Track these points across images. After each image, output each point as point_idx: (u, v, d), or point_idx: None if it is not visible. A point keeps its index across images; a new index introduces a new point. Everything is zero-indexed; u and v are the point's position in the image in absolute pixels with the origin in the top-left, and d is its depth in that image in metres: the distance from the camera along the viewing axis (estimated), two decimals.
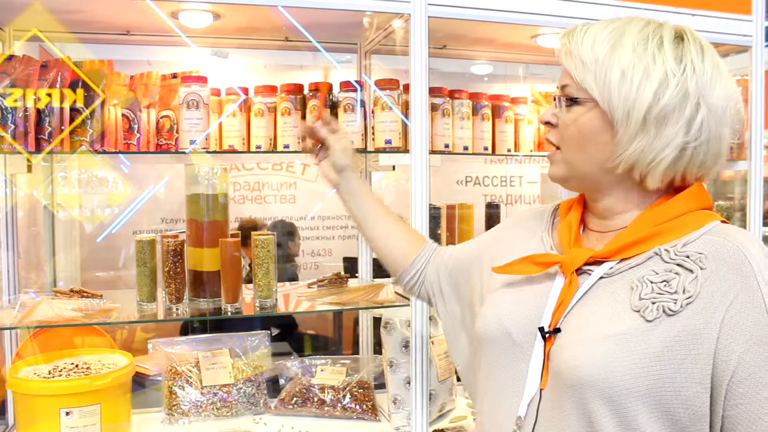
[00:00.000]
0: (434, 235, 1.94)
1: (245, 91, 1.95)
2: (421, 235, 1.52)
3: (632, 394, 0.92)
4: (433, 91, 1.96)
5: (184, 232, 1.88)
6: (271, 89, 1.96)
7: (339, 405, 2.00)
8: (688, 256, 0.98)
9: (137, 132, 1.82)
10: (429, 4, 1.74)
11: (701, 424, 0.93)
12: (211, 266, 1.84)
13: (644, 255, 1.02)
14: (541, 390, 1.04)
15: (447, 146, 1.99)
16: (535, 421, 1.03)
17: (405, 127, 1.86)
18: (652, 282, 0.98)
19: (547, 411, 1.02)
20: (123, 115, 1.80)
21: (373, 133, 1.93)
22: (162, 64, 2.23)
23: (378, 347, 2.10)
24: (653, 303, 0.95)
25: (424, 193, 1.75)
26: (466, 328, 1.33)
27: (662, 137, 1.00)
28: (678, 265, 0.98)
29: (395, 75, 1.94)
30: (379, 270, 1.98)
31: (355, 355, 2.29)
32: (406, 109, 1.86)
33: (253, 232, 1.91)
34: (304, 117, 1.93)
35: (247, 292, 1.94)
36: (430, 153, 1.77)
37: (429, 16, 1.75)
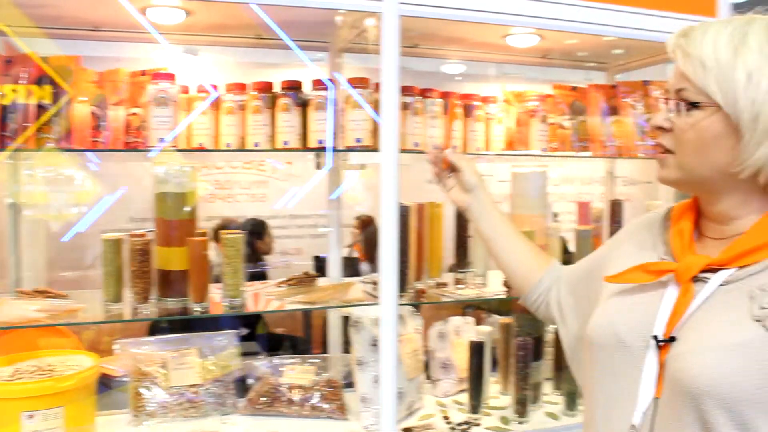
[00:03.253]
0: (404, 233, 1.94)
1: (216, 88, 1.93)
2: (548, 255, 1.53)
3: (753, 404, 0.91)
4: (405, 90, 1.96)
5: (151, 231, 1.86)
6: (242, 87, 1.94)
7: (308, 404, 1.99)
8: None
9: (105, 129, 1.79)
10: (400, 3, 1.74)
11: None
12: (178, 265, 1.82)
13: (764, 263, 1.00)
14: (656, 399, 1.02)
15: (417, 145, 1.99)
16: (651, 430, 1.02)
17: (375, 125, 1.86)
18: None
19: (663, 421, 1.01)
20: (91, 112, 1.77)
21: (343, 132, 1.92)
22: (131, 61, 2.20)
23: (347, 346, 2.09)
24: None
25: (393, 192, 1.75)
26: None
27: None
28: None
29: (367, 74, 1.94)
30: (349, 268, 1.97)
31: (324, 354, 2.28)
32: (377, 107, 1.86)
33: (221, 231, 1.89)
34: (274, 115, 1.92)
35: (217, 292, 1.92)
36: (400, 152, 1.77)
37: (400, 15, 1.74)
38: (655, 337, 1.03)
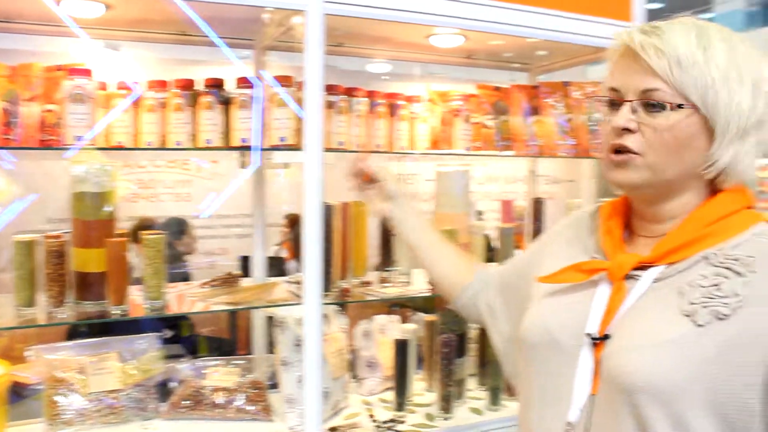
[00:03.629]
0: (328, 233, 1.93)
1: (137, 85, 1.88)
2: (474, 260, 1.56)
3: (687, 398, 0.93)
4: (329, 89, 1.95)
5: (67, 232, 1.79)
6: (163, 84, 1.90)
7: (232, 406, 1.96)
8: (737, 260, 0.98)
9: (18, 127, 1.72)
10: (325, 2, 1.73)
11: (753, 425, 0.94)
12: (96, 267, 1.76)
13: (692, 259, 1.02)
14: (592, 396, 1.04)
15: (342, 144, 1.99)
16: (587, 428, 1.03)
17: (300, 124, 1.85)
18: (701, 286, 0.98)
19: (599, 417, 1.02)
20: (2, 108, 1.70)
21: (267, 131, 1.90)
22: (48, 55, 2.12)
23: (272, 347, 2.07)
24: (704, 307, 0.96)
25: (317, 191, 1.74)
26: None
27: (749, 141, 1.01)
28: (727, 268, 0.98)
29: (293, 72, 1.92)
30: (276, 268, 1.96)
31: (249, 356, 2.26)
32: (301, 106, 1.85)
33: (141, 232, 1.84)
34: (196, 113, 1.88)
35: (138, 294, 1.87)
36: (324, 151, 1.76)
37: (325, 14, 1.74)
38: (590, 334, 1.05)
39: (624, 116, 1.03)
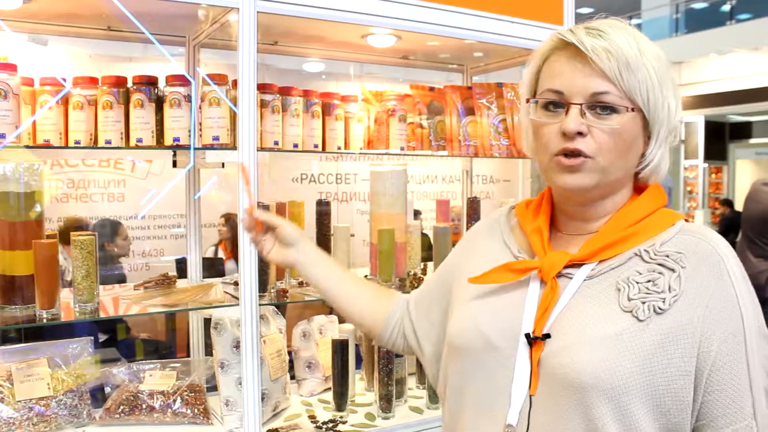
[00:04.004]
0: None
1: (65, 81, 1.82)
2: (390, 290, 1.50)
3: (631, 392, 0.96)
4: (263, 88, 1.94)
5: None
6: (92, 81, 1.85)
7: (169, 410, 1.93)
8: (668, 256, 1.02)
9: None
10: None
11: (686, 413, 0.98)
12: (23, 270, 1.71)
13: (624, 255, 1.05)
14: (530, 396, 1.03)
15: (277, 143, 1.97)
16: (527, 429, 1.03)
17: (234, 123, 1.83)
18: (638, 282, 1.01)
19: (540, 417, 1.02)
20: None
21: (200, 129, 1.87)
22: None
23: (210, 349, 2.05)
24: (643, 303, 0.99)
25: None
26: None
27: (670, 142, 1.07)
28: (659, 264, 1.02)
29: (227, 70, 1.90)
30: (209, 270, 1.93)
31: (187, 358, 2.22)
32: (235, 105, 1.83)
33: (72, 232, 1.79)
34: (127, 111, 1.84)
35: (70, 297, 1.81)
36: (258, 150, 1.75)
37: (258, 11, 1.73)
38: (528, 335, 1.04)
39: (575, 120, 1.02)
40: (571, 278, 1.07)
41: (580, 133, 1.02)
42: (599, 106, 1.02)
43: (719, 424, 0.99)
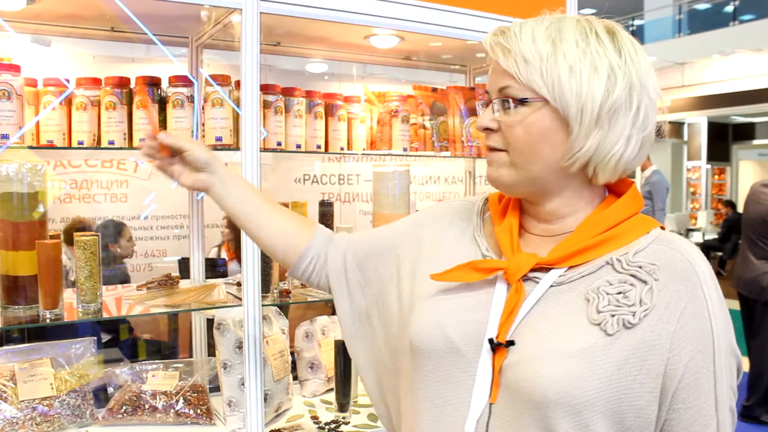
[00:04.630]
0: None
1: (68, 82, 1.83)
2: (311, 221, 1.39)
3: (594, 407, 0.92)
4: (266, 89, 1.94)
5: None
6: (95, 81, 1.85)
7: (172, 411, 1.93)
8: (641, 267, 0.98)
9: None
10: (261, 0, 1.72)
11: (648, 431, 0.95)
12: (27, 270, 1.71)
13: (595, 263, 1.01)
14: (490, 404, 1.00)
15: (280, 144, 1.98)
16: None
17: (236, 124, 1.83)
18: (608, 294, 0.97)
19: (499, 427, 0.99)
20: None
21: (203, 130, 1.88)
22: None
23: (212, 349, 2.05)
24: (612, 316, 0.95)
25: None
26: (372, 325, 1.26)
27: (615, 130, 0.99)
28: (632, 275, 0.98)
29: (230, 71, 1.90)
30: (212, 270, 1.93)
31: (189, 359, 2.23)
32: (238, 105, 1.83)
33: (75, 233, 1.80)
34: (130, 112, 1.84)
35: (73, 297, 1.82)
36: (261, 150, 1.75)
37: (261, 12, 1.73)
38: (492, 340, 1.00)
39: (486, 116, 1.05)
40: (537, 282, 1.03)
41: (491, 129, 1.04)
42: (504, 99, 1.02)
43: None
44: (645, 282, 0.97)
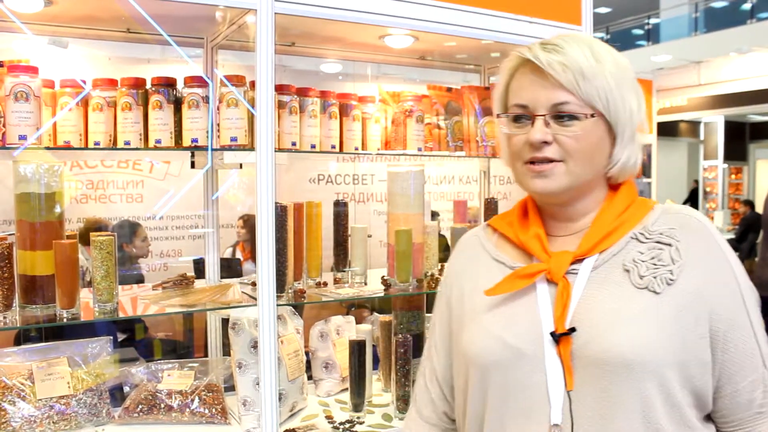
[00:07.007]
0: (282, 234, 1.92)
1: (84, 83, 1.84)
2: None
3: (666, 360, 1.02)
4: (281, 89, 1.94)
5: (12, 234, 1.75)
6: (111, 82, 1.86)
7: (187, 410, 1.94)
8: (662, 233, 1.11)
9: None
10: (276, 0, 1.73)
11: (707, 376, 1.06)
12: (44, 270, 1.73)
13: (621, 242, 1.13)
14: (568, 392, 1.06)
15: (294, 144, 1.98)
16: (572, 423, 1.05)
17: (251, 124, 1.83)
18: (643, 261, 1.09)
19: (582, 410, 1.05)
20: None
21: (218, 131, 1.88)
22: None
23: (227, 349, 2.06)
24: (655, 277, 1.06)
25: (270, 192, 1.73)
26: None
27: (638, 137, 1.14)
28: (657, 242, 1.10)
29: (245, 71, 1.91)
30: (227, 270, 1.94)
31: (204, 358, 2.23)
32: (252, 106, 1.84)
33: (91, 233, 1.81)
34: (146, 113, 1.85)
35: (90, 297, 1.83)
36: (276, 151, 1.75)
37: (276, 12, 1.73)
38: (553, 333, 1.07)
39: (540, 130, 1.10)
40: (576, 273, 1.12)
41: (546, 142, 1.10)
42: (561, 115, 1.09)
43: (737, 379, 1.07)
44: (670, 244, 1.10)
